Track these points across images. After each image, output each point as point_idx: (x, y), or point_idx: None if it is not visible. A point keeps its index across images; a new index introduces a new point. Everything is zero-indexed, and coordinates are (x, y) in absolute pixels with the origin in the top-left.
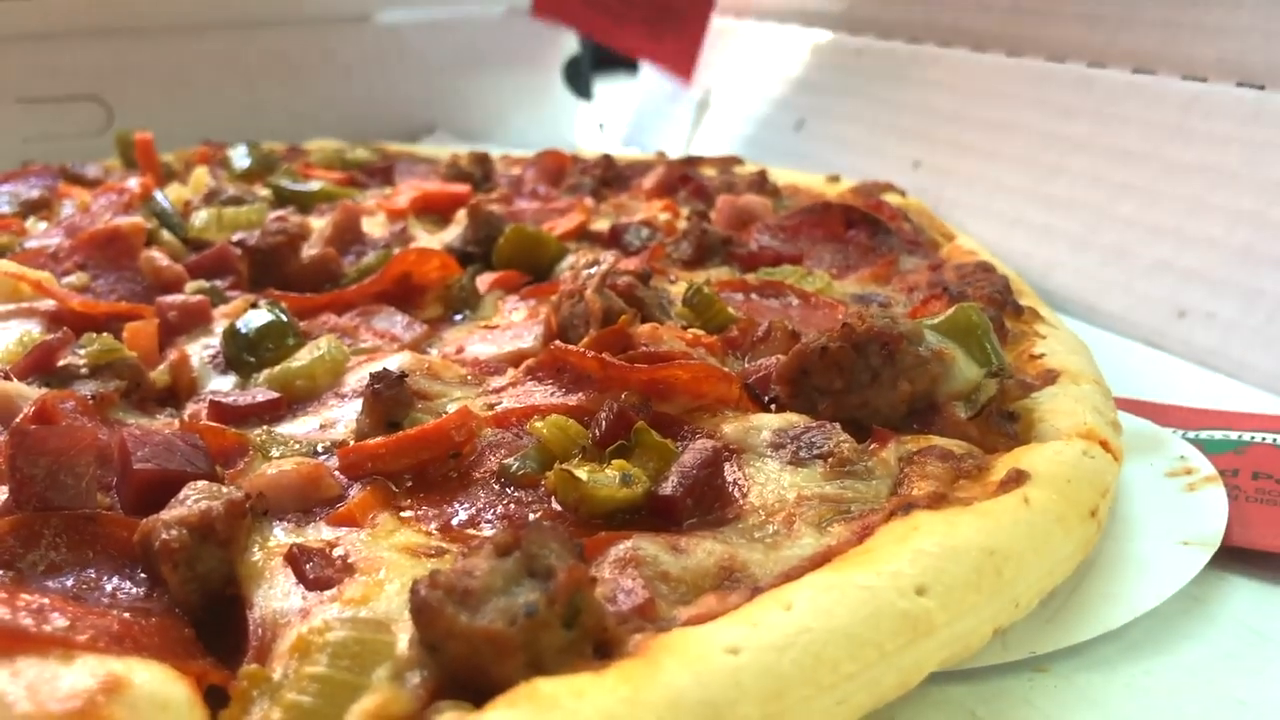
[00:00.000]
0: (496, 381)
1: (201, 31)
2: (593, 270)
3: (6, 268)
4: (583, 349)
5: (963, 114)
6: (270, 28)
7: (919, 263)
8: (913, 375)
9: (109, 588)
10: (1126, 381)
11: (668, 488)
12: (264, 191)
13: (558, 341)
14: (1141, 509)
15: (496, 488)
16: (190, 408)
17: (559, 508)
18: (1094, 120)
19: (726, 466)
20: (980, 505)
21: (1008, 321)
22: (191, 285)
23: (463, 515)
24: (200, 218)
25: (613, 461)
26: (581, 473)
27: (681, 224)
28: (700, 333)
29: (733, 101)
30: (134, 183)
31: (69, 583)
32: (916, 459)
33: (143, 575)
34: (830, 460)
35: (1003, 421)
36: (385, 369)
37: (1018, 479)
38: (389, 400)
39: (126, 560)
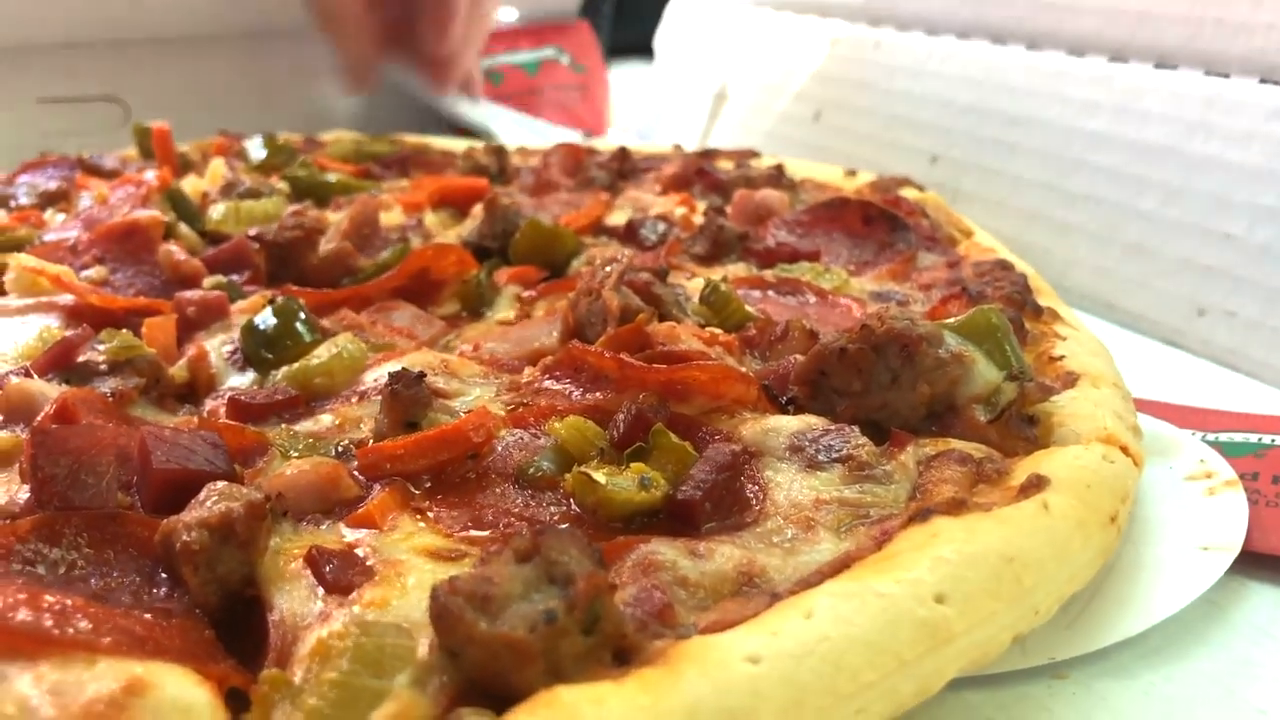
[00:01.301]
0: (514, 380)
1: (218, 40)
2: (609, 268)
3: (26, 262)
4: (600, 349)
5: (981, 108)
6: (285, 37)
7: (937, 259)
8: (932, 377)
9: (131, 588)
10: (1145, 381)
11: (686, 492)
12: (281, 184)
13: (575, 341)
14: (1161, 513)
15: (515, 489)
16: (209, 404)
17: (577, 510)
18: (1114, 115)
19: (745, 470)
20: (1000, 512)
21: (1027, 322)
22: (209, 280)
23: (482, 517)
24: (218, 210)
25: (631, 464)
26: (600, 476)
27: (697, 218)
28: (718, 331)
29: (750, 93)
30: (151, 175)
31: (91, 583)
32: (935, 462)
33: (163, 576)
34: (849, 464)
35: (1022, 425)
36: (404, 369)
37: (1037, 484)
38: (407, 400)
39: (148, 560)
